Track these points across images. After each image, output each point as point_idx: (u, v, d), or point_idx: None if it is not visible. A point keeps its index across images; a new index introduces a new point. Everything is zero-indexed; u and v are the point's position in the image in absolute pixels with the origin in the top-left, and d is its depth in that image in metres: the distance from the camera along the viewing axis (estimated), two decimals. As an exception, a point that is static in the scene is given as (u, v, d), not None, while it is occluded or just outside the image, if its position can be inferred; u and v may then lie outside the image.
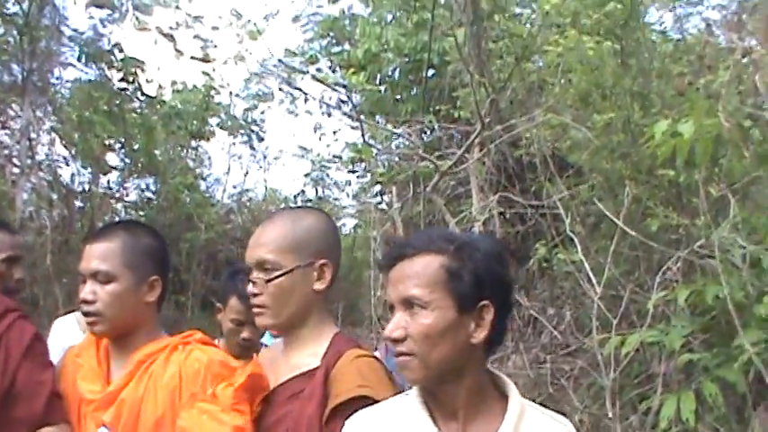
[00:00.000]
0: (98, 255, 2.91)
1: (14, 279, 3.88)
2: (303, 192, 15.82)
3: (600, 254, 7.20)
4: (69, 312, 4.70)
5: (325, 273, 2.79)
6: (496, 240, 2.46)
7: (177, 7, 11.97)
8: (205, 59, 12.99)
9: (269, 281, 2.72)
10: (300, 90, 12.19)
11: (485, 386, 2.27)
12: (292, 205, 14.36)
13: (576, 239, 6.88)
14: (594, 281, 6.48)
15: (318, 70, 11.94)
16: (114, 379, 2.92)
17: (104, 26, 12.15)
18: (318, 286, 2.78)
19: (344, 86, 10.18)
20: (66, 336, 3.87)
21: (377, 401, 2.44)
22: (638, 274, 6.97)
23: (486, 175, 8.88)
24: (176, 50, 12.18)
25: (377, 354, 4.13)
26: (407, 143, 9.61)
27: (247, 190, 15.82)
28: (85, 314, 2.90)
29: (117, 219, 12.81)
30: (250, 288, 2.77)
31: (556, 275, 8.26)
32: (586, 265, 6.55)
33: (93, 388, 2.90)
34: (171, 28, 11.74)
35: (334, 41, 13.32)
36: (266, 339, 4.34)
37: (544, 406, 2.35)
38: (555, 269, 8.02)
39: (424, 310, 2.18)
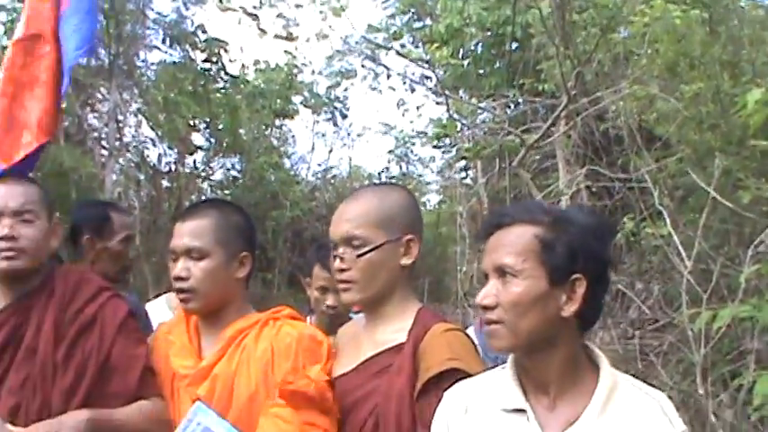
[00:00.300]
0: (191, 232, 2.94)
1: (129, 257, 4.07)
2: (387, 168, 15.83)
3: (689, 227, 7.07)
4: (159, 296, 4.80)
5: (412, 248, 2.80)
6: (596, 215, 2.43)
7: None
8: (289, 38, 13.03)
9: (360, 256, 2.72)
10: (384, 66, 12.16)
11: (578, 361, 2.25)
12: (375, 182, 14.36)
13: (665, 213, 6.75)
14: (684, 255, 6.36)
15: (402, 46, 11.88)
16: (206, 354, 2.96)
17: (187, 8, 12.29)
18: (405, 261, 2.79)
19: (427, 62, 10.12)
20: (157, 318, 3.95)
21: (468, 374, 2.45)
22: (729, 247, 6.83)
23: (572, 148, 8.77)
24: (260, 29, 12.25)
25: (469, 330, 4.13)
26: (493, 117, 9.53)
27: (331, 167, 15.89)
28: (179, 291, 2.93)
29: (203, 198, 12.96)
30: (337, 264, 2.77)
31: (644, 249, 8.12)
32: (676, 238, 6.44)
33: (185, 363, 2.95)
34: (254, 7, 11.81)
35: (415, 17, 13.25)
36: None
37: (635, 381, 2.32)
38: (643, 243, 7.89)
39: (515, 279, 2.18)
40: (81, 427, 2.66)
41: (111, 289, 3.10)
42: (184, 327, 3.06)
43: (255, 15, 11.75)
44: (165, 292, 4.53)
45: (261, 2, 12.04)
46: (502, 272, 2.20)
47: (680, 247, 6.42)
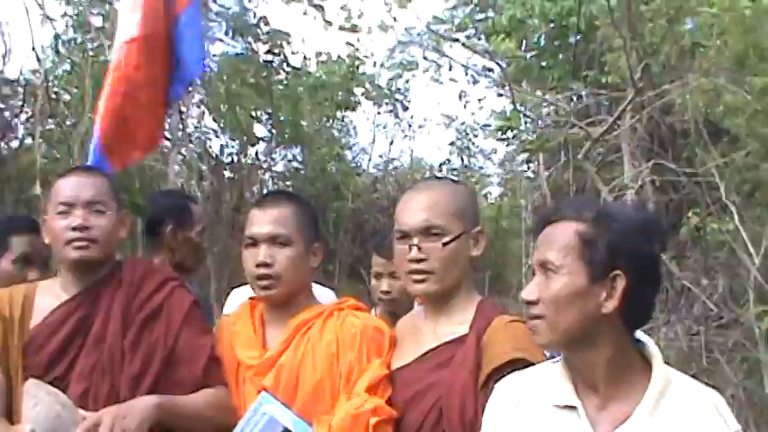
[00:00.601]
0: (274, 219, 2.97)
1: (203, 248, 4.19)
2: (448, 160, 15.76)
3: (756, 223, 6.95)
4: (244, 284, 4.84)
5: (480, 240, 2.80)
6: (644, 211, 2.41)
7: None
8: (353, 29, 13.01)
9: (445, 244, 2.72)
10: (449, 57, 12.10)
11: (627, 359, 2.22)
12: (437, 174, 14.31)
13: (732, 207, 6.64)
14: (753, 250, 6.25)
15: (468, 38, 11.80)
16: (271, 345, 2.99)
17: (250, 0, 12.35)
18: (475, 253, 2.80)
19: (490, 53, 10.06)
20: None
21: (532, 364, 2.44)
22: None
23: (637, 141, 8.66)
24: (325, 21, 12.24)
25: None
26: (557, 110, 9.46)
27: (393, 159, 15.86)
28: (262, 277, 2.94)
29: (265, 189, 13.03)
30: (414, 253, 2.74)
31: (710, 245, 8.00)
32: (743, 234, 6.33)
33: (251, 354, 2.97)
34: (320, -2, 11.80)
35: (477, 9, 13.18)
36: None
37: (696, 379, 2.29)
38: (708, 238, 7.77)
39: (556, 275, 2.18)
40: (149, 411, 2.70)
41: (177, 279, 3.15)
42: (249, 317, 3.08)
43: (321, 6, 11.75)
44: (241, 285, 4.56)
45: (326, -8, 12.03)
46: (545, 267, 2.21)
47: (748, 243, 6.31)
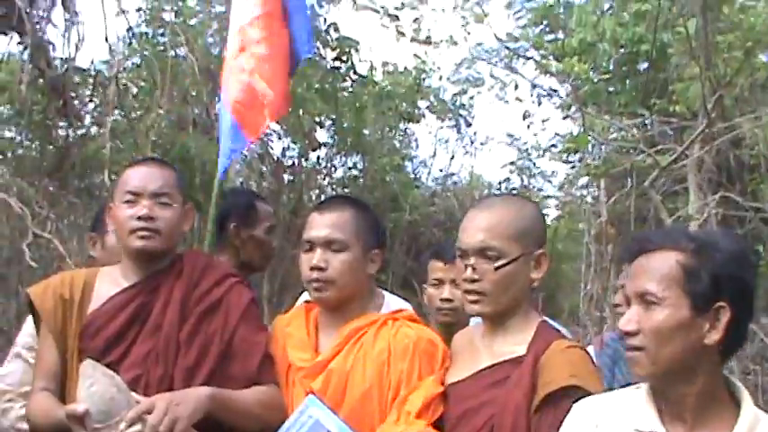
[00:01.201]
0: (332, 224, 2.98)
1: (272, 246, 4.19)
2: (508, 179, 15.68)
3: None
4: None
5: (542, 263, 2.77)
6: (740, 241, 2.36)
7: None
8: (427, 41, 13.00)
9: (497, 268, 2.69)
10: (521, 74, 12.05)
11: (717, 391, 2.19)
12: (500, 192, 14.22)
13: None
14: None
15: (540, 58, 11.72)
16: (323, 349, 2.98)
17: (321, 6, 12.38)
18: (535, 275, 2.77)
19: (561, 74, 9.99)
20: None
21: (588, 392, 2.42)
22: None
23: (705, 173, 8.54)
24: (399, 32, 12.23)
25: (589, 349, 4.03)
26: (623, 136, 9.37)
27: (452, 174, 15.78)
28: (315, 280, 2.95)
29: (323, 195, 13.06)
30: (468, 273, 2.72)
31: (771, 282, 7.87)
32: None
33: (302, 356, 2.98)
34: (396, 8, 11.80)
35: (547, 29, 13.12)
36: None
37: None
38: (771, 276, 7.65)
39: (658, 306, 2.14)
40: (202, 402, 2.71)
41: (236, 275, 3.17)
42: (303, 320, 3.09)
43: (396, 17, 11.74)
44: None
45: (403, 3, 12.03)
46: (644, 299, 2.17)
47: (812, 284, 6.18)
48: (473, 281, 2.72)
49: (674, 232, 2.32)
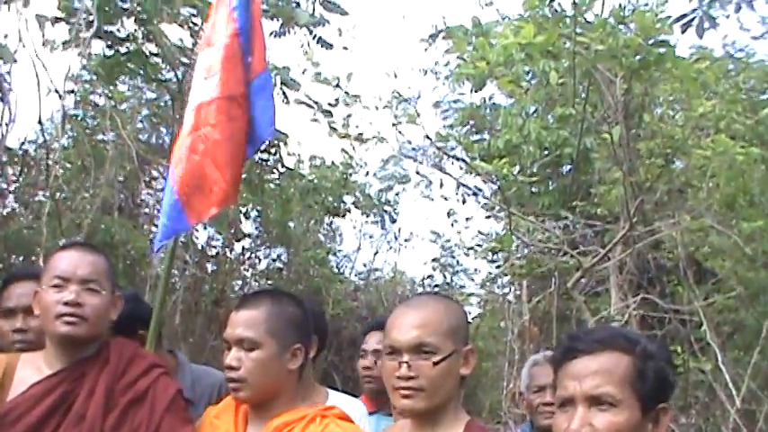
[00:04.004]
0: (243, 322, 2.95)
1: None
2: (431, 276, 15.76)
3: (737, 365, 6.96)
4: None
5: (470, 359, 2.79)
6: (663, 343, 2.43)
7: (337, 86, 12.17)
8: (359, 139, 13.14)
9: (436, 363, 2.69)
10: (448, 174, 12.23)
11: None
12: (423, 291, 14.29)
13: (716, 348, 6.67)
14: (734, 392, 6.24)
15: (468, 158, 11.92)
16: (250, 443, 2.92)
17: (250, 99, 12.42)
18: (464, 371, 2.78)
19: (486, 175, 10.16)
20: None
21: None
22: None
23: (625, 275, 8.72)
24: (331, 128, 12.34)
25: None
26: (549, 237, 9.55)
27: (376, 269, 15.86)
28: (230, 380, 2.93)
29: (246, 286, 12.98)
30: (403, 371, 2.71)
31: (689, 383, 8.00)
32: (726, 375, 6.33)
33: (228, 450, 2.91)
34: (330, 105, 11.91)
35: (473, 130, 13.38)
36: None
37: None
38: (689, 377, 7.78)
39: (615, 409, 2.13)
40: None
41: (162, 366, 3.13)
42: (232, 414, 3.04)
43: (330, 113, 11.84)
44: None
45: (336, 99, 12.16)
46: (600, 400, 2.14)
47: (730, 384, 6.31)
48: (408, 378, 2.70)
49: (613, 333, 2.29)
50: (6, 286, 3.58)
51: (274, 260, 14.29)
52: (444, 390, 2.72)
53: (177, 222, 3.81)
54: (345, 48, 12.02)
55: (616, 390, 2.12)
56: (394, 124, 11.31)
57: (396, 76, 11.41)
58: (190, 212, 3.78)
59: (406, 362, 2.70)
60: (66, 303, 2.89)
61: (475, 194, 12.50)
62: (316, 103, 11.49)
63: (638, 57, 7.00)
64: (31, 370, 2.95)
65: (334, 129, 12.39)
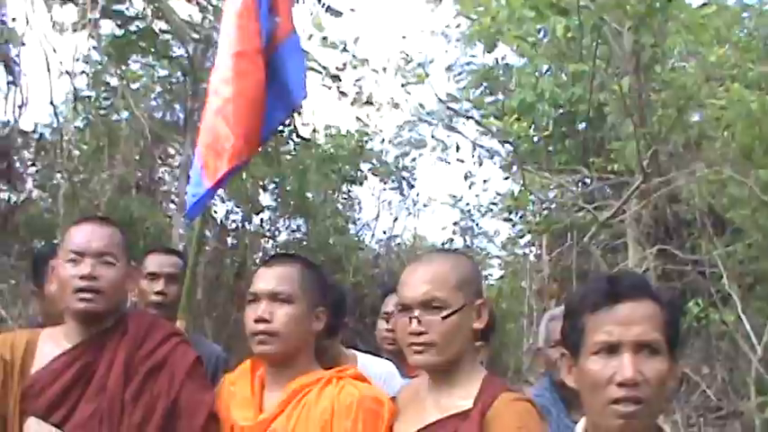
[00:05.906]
0: (278, 277, 2.97)
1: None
2: (452, 240, 15.72)
3: (759, 314, 6.94)
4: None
5: (483, 312, 2.79)
6: (678, 296, 2.46)
7: (344, 49, 12.11)
8: (368, 102, 13.07)
9: (445, 317, 2.70)
10: (461, 134, 12.17)
11: None
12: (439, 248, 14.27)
13: (736, 298, 6.63)
14: (755, 342, 6.22)
15: (479, 120, 11.84)
16: (267, 407, 2.95)
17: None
18: (477, 325, 2.79)
19: (501, 134, 10.13)
20: None
21: None
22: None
23: (642, 227, 8.68)
24: (341, 93, 12.30)
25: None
26: (562, 193, 9.53)
27: (395, 236, 15.83)
28: (258, 333, 2.92)
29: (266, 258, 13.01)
30: (414, 326, 2.72)
31: (711, 334, 7.97)
32: (747, 325, 6.31)
33: (246, 415, 2.95)
34: (338, 69, 11.86)
35: (487, 91, 13.31)
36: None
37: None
38: (710, 328, 7.76)
39: (660, 356, 2.13)
40: None
41: (180, 334, 3.16)
42: (248, 379, 3.06)
43: (338, 77, 11.81)
44: None
45: (344, 63, 12.10)
46: (647, 348, 2.13)
47: (751, 334, 6.28)
48: (420, 333, 2.72)
49: (642, 280, 2.30)
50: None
51: (294, 231, 14.31)
52: (456, 344, 2.73)
53: (197, 186, 3.83)
54: (352, 10, 11.86)
55: (660, 338, 2.13)
56: (403, 85, 11.23)
57: (404, 38, 11.31)
58: (206, 174, 3.77)
59: (417, 317, 2.72)
60: (81, 277, 2.91)
61: (491, 156, 12.46)
62: (324, 68, 11.43)
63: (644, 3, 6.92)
64: (52, 344, 2.98)
65: (344, 94, 12.33)
